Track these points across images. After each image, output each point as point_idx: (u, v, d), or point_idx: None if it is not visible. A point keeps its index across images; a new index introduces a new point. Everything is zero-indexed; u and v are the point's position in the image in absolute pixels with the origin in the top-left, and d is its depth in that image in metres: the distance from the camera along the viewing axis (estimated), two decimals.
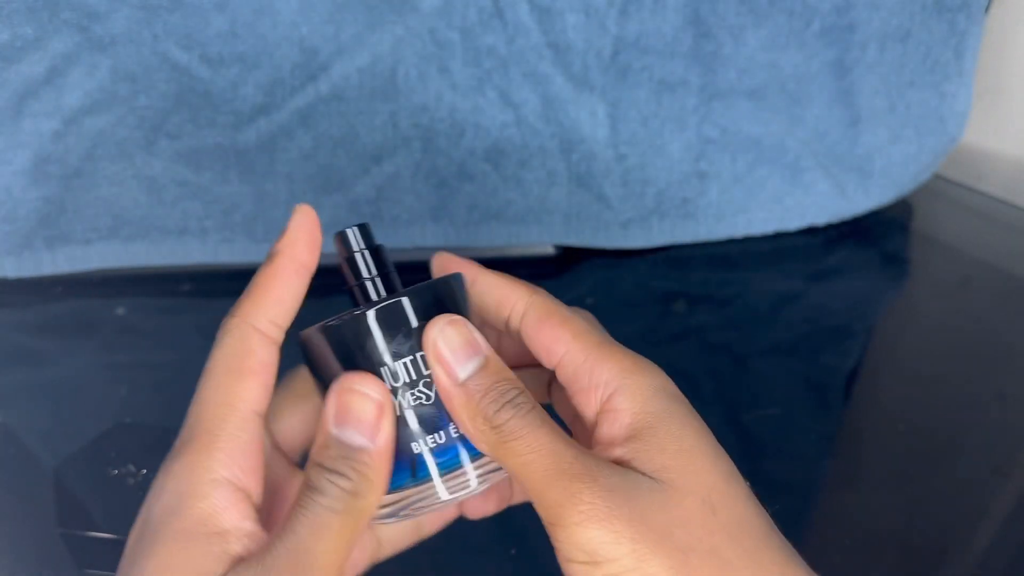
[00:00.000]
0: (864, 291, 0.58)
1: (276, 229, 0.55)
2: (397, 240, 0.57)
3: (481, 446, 0.24)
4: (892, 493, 0.40)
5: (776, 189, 0.59)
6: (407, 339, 0.25)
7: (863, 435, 0.44)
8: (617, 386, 0.25)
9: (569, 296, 0.42)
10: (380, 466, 0.24)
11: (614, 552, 0.21)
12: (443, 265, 0.30)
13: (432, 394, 0.25)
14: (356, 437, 0.24)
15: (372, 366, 0.24)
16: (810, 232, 0.62)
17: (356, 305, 0.27)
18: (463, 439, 0.25)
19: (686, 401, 0.25)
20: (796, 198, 0.60)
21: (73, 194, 0.52)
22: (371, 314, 0.25)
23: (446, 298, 0.26)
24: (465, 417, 0.24)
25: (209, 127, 0.52)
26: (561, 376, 0.26)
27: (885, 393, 0.47)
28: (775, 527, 0.24)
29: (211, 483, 0.23)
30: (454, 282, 0.27)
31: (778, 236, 0.61)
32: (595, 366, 0.25)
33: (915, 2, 0.55)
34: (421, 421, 0.25)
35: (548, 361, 0.27)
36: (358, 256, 0.28)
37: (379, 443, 0.24)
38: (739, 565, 0.22)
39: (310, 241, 0.27)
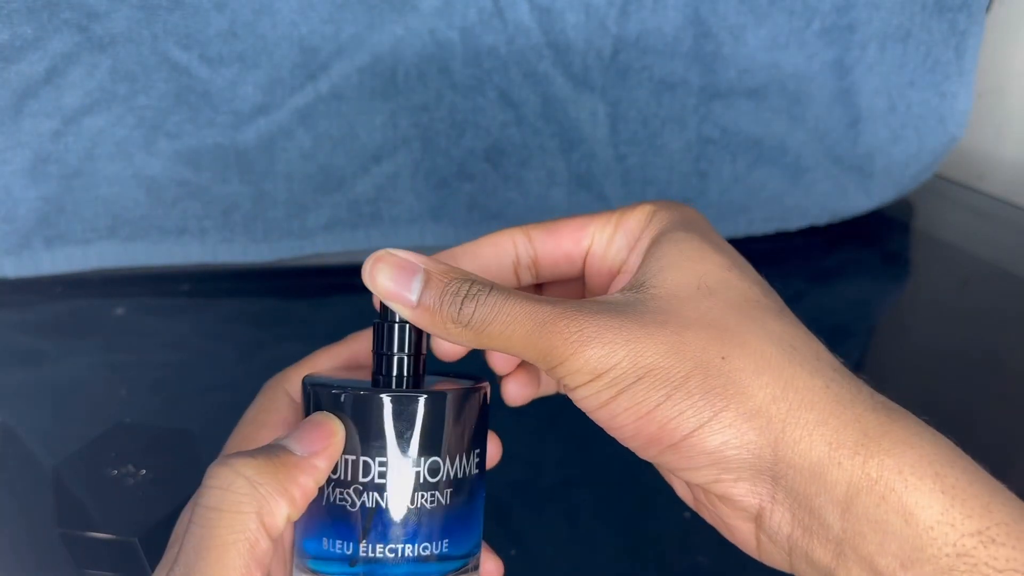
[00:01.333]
0: (865, 290, 0.58)
1: (276, 229, 0.55)
2: (397, 240, 0.57)
3: (468, 345, 0.24)
4: None
5: (777, 189, 0.59)
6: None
7: None
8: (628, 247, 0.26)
9: None
10: None
11: (612, 360, 0.21)
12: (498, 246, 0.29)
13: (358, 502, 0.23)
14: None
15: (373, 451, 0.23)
16: (811, 232, 0.62)
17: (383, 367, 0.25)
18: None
19: (694, 223, 0.26)
20: (797, 198, 0.60)
21: (72, 194, 0.52)
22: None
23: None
24: (439, 333, 0.23)
25: (208, 127, 0.52)
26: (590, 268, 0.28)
27: (886, 392, 0.47)
28: (790, 312, 0.24)
29: None
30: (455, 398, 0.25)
31: (779, 236, 0.61)
32: (608, 243, 0.27)
33: (915, 2, 0.55)
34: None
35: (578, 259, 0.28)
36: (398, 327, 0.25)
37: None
38: (741, 330, 0.22)
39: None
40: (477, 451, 0.25)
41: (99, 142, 0.51)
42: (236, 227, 0.55)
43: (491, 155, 0.56)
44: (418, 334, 0.25)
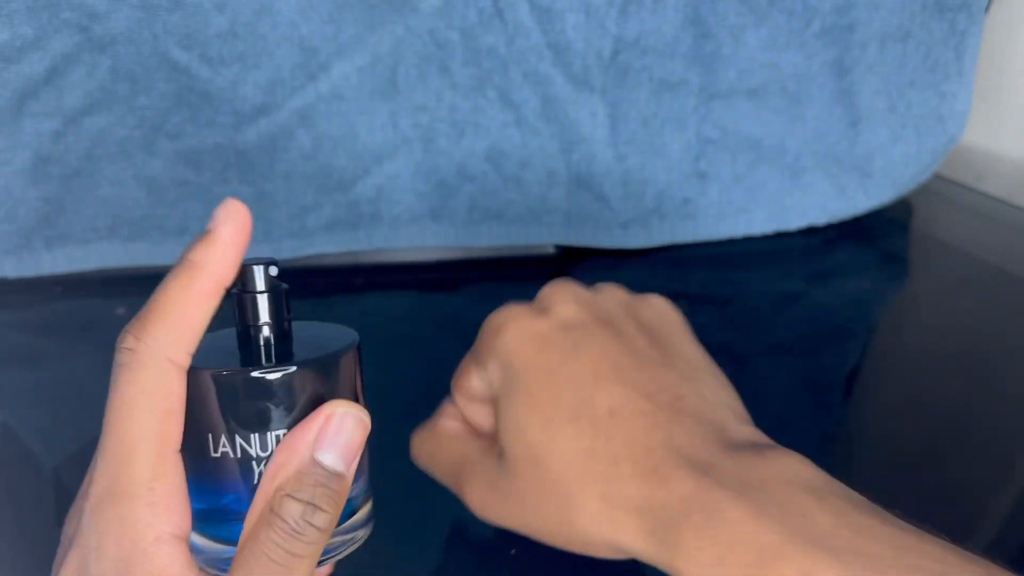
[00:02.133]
0: (864, 291, 0.58)
1: (276, 229, 0.55)
2: (397, 240, 0.57)
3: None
4: (891, 493, 0.40)
5: (776, 189, 0.59)
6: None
7: (863, 435, 0.44)
8: None
9: None
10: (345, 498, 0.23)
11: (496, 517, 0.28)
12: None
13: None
14: (339, 463, 0.23)
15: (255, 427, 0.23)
16: (810, 232, 0.62)
17: (248, 343, 0.25)
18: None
19: (521, 370, 0.28)
20: (796, 198, 0.60)
21: (73, 194, 0.52)
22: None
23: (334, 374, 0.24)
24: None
25: (209, 127, 0.52)
26: None
27: (885, 393, 0.47)
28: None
29: (155, 541, 0.22)
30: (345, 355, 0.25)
31: (778, 236, 0.61)
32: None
33: (915, 2, 0.55)
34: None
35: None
36: (261, 297, 0.25)
37: (351, 473, 0.23)
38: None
39: (238, 256, 0.24)
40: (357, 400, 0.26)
41: (100, 142, 0.51)
42: None
43: (491, 155, 0.56)
44: (282, 299, 0.26)
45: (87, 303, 0.55)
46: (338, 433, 0.23)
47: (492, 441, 0.29)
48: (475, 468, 0.28)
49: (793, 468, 0.23)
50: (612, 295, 0.32)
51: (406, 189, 0.56)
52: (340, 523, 0.24)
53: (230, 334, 0.26)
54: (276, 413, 0.23)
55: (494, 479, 0.27)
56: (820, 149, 0.59)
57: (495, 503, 0.27)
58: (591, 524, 0.25)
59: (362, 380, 0.27)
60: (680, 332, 0.31)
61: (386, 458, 0.40)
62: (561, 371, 0.27)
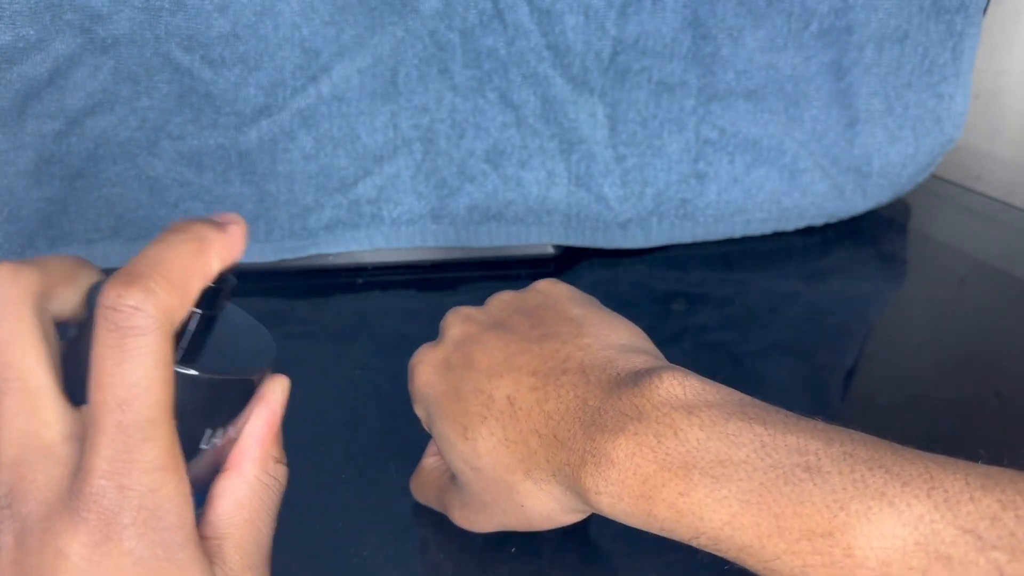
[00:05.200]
0: (862, 291, 0.58)
1: (277, 229, 0.55)
2: (398, 240, 0.57)
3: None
4: None
5: (774, 190, 0.60)
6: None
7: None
8: None
9: None
10: None
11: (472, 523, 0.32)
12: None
13: None
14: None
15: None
16: (808, 232, 0.62)
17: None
18: None
19: (434, 398, 0.31)
20: (794, 199, 0.60)
21: (75, 195, 0.53)
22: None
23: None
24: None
25: (211, 128, 0.52)
26: None
27: (883, 392, 0.47)
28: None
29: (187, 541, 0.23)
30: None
31: (776, 236, 0.62)
32: None
33: (913, 4, 0.55)
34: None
35: None
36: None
37: None
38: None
39: (240, 252, 0.24)
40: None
41: (102, 143, 0.51)
42: None
43: (491, 156, 0.56)
44: None
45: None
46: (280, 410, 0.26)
47: None
48: (449, 491, 0.32)
49: (666, 389, 0.25)
50: (498, 300, 0.34)
51: (406, 189, 0.56)
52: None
53: None
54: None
55: (460, 496, 0.31)
56: (818, 150, 0.59)
57: (469, 515, 0.31)
58: (533, 502, 0.28)
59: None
60: (565, 300, 0.33)
61: (386, 458, 0.40)
62: (463, 385, 0.30)
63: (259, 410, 0.25)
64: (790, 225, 0.61)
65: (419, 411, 0.33)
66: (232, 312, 0.26)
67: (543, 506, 0.28)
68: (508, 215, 0.58)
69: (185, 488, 0.21)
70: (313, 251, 0.57)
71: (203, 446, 0.24)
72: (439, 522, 0.34)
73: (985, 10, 0.57)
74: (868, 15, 0.55)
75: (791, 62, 0.56)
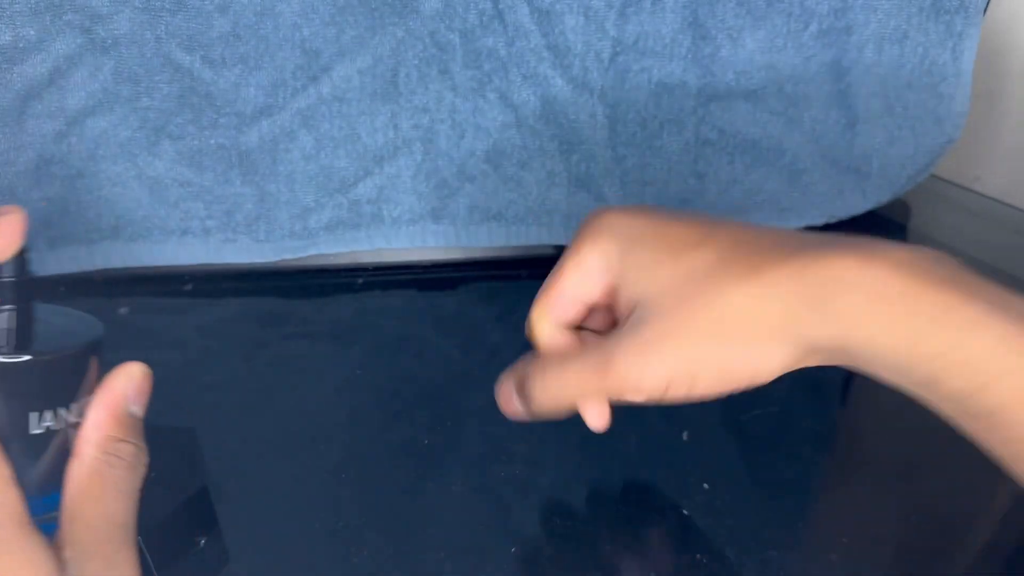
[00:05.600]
0: None
1: (278, 229, 0.56)
2: (398, 241, 0.57)
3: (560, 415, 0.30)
4: (890, 492, 0.40)
5: (774, 190, 0.60)
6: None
7: (861, 434, 0.45)
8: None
9: None
10: None
11: (668, 366, 0.28)
12: None
13: None
14: (140, 411, 0.28)
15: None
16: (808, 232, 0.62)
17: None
18: None
19: (644, 231, 0.30)
20: (794, 199, 0.60)
21: (76, 195, 0.53)
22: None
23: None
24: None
25: (211, 128, 0.52)
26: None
27: (883, 392, 0.47)
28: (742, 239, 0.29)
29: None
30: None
31: None
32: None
33: (912, 4, 0.55)
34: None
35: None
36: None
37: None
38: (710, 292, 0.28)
39: (20, 238, 0.27)
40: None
41: (102, 143, 0.52)
42: (239, 228, 0.55)
43: (491, 156, 0.56)
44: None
45: (90, 303, 0.55)
46: (141, 390, 0.28)
47: (605, 323, 0.33)
48: (613, 344, 0.29)
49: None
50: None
51: (407, 190, 0.56)
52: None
53: None
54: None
55: (640, 334, 0.29)
56: (818, 150, 0.59)
57: (654, 352, 0.28)
58: (746, 321, 0.27)
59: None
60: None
61: (386, 458, 0.40)
62: (673, 218, 0.30)
63: (99, 395, 0.26)
64: (789, 225, 0.61)
65: (597, 247, 0.31)
66: (45, 309, 0.28)
67: (756, 323, 0.27)
68: (508, 215, 0.58)
69: (6, 480, 0.23)
70: (313, 251, 0.57)
71: (34, 431, 0.24)
72: (439, 522, 0.34)
73: (985, 10, 0.57)
74: (868, 16, 0.55)
75: (790, 62, 0.56)
